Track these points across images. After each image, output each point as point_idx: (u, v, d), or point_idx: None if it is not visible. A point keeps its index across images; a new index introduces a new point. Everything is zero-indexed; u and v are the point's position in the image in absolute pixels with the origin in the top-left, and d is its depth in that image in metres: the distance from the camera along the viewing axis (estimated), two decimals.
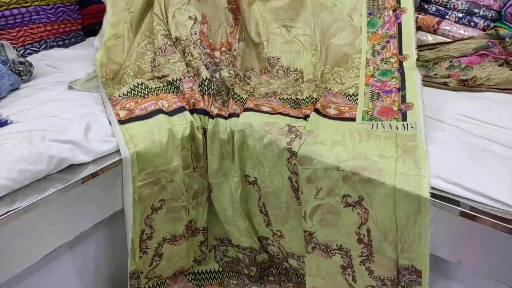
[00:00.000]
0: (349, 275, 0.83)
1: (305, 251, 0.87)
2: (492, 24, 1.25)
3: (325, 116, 0.91)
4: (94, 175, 0.79)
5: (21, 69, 1.11)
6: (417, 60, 1.25)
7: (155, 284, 1.02)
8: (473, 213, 0.68)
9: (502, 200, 0.66)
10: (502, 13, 1.23)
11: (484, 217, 0.67)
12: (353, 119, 0.90)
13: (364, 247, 0.79)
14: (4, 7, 1.24)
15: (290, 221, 0.92)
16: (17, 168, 0.70)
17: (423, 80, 1.14)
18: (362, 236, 0.78)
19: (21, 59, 1.12)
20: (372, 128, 0.85)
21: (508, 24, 1.22)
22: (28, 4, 1.31)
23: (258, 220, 1.00)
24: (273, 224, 0.96)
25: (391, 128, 0.84)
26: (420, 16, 1.33)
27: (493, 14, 1.25)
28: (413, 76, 0.97)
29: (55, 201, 0.74)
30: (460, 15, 1.29)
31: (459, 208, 0.69)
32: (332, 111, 0.93)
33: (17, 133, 0.80)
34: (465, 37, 1.25)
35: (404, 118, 0.86)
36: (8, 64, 1.07)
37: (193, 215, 1.01)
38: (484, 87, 1.08)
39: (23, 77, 1.11)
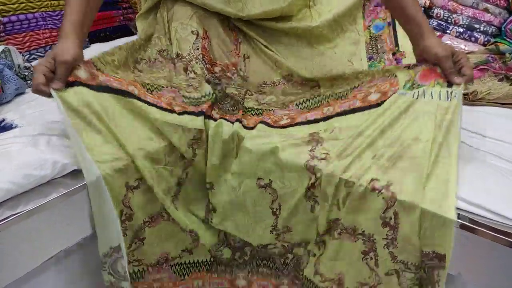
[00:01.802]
0: (371, 259, 0.80)
1: (330, 237, 0.84)
2: (492, 40, 1.27)
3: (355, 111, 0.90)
4: None
5: (26, 73, 1.12)
6: None
7: (135, 270, 0.94)
8: (472, 225, 0.69)
9: (503, 214, 0.67)
10: (502, 29, 1.25)
11: (484, 230, 0.67)
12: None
13: (389, 230, 0.75)
14: (11, 13, 1.26)
15: (299, 215, 0.90)
16: (21, 173, 0.71)
17: None
18: (388, 219, 0.75)
19: (27, 64, 1.13)
20: (413, 98, 0.82)
21: (508, 39, 1.24)
22: (35, 10, 1.32)
23: (265, 225, 0.95)
24: (280, 223, 0.92)
25: (433, 98, 0.80)
26: None
27: (493, 30, 1.27)
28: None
29: (58, 206, 0.74)
30: (461, 30, 1.31)
31: (459, 220, 0.70)
32: (374, 97, 0.89)
33: (22, 137, 0.81)
34: (466, 51, 1.27)
35: (450, 86, 0.82)
36: (14, 69, 1.08)
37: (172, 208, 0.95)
38: (484, 101, 1.09)
39: (28, 82, 1.12)
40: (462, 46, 1.29)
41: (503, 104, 1.07)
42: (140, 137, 0.86)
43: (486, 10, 1.28)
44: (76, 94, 0.78)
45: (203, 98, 0.98)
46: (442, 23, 1.34)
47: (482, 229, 0.68)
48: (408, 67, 0.89)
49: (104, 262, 0.80)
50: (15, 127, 0.88)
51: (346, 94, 0.96)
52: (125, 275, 0.81)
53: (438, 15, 1.35)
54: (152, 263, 0.95)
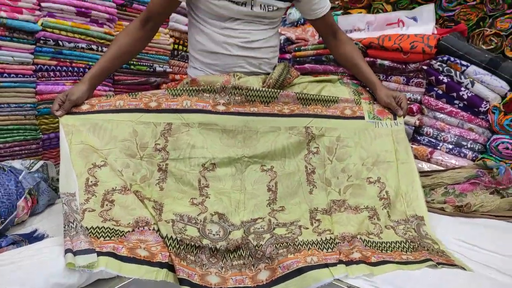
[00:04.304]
0: (374, 218, 1.09)
1: (338, 211, 1.09)
2: (479, 156, 1.40)
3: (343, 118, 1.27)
4: None
5: (58, 185, 1.23)
6: None
7: (115, 229, 0.93)
8: None
9: None
10: (487, 146, 1.38)
11: None
12: (363, 117, 1.27)
13: (384, 201, 1.14)
14: (51, 131, 1.43)
15: (297, 198, 1.12)
16: (52, 282, 0.77)
17: None
18: (383, 196, 1.15)
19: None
20: (376, 127, 1.25)
21: (493, 156, 1.36)
22: None
23: (259, 200, 1.09)
24: (278, 201, 1.10)
25: (387, 126, 1.26)
26: (414, 146, 1.49)
27: (480, 147, 1.40)
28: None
29: None
30: (450, 146, 1.45)
31: None
32: (348, 111, 1.29)
33: (53, 247, 0.88)
34: (456, 166, 1.39)
35: (395, 118, 1.30)
36: (48, 182, 1.20)
37: (137, 188, 1.07)
38: (478, 213, 1.16)
39: (59, 193, 1.23)
40: (453, 161, 1.41)
41: (496, 217, 1.14)
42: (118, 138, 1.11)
43: (470, 129, 1.43)
44: (72, 118, 1.11)
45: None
46: (432, 140, 1.49)
47: None
48: (369, 101, 1.34)
49: (61, 197, 0.97)
50: (47, 237, 0.96)
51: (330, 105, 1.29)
52: (77, 210, 0.95)
53: (428, 133, 1.50)
54: (130, 223, 0.96)
